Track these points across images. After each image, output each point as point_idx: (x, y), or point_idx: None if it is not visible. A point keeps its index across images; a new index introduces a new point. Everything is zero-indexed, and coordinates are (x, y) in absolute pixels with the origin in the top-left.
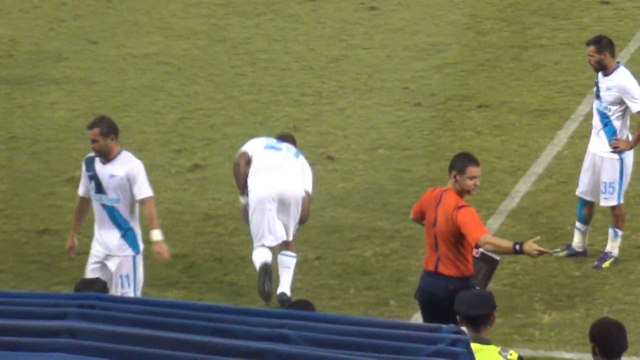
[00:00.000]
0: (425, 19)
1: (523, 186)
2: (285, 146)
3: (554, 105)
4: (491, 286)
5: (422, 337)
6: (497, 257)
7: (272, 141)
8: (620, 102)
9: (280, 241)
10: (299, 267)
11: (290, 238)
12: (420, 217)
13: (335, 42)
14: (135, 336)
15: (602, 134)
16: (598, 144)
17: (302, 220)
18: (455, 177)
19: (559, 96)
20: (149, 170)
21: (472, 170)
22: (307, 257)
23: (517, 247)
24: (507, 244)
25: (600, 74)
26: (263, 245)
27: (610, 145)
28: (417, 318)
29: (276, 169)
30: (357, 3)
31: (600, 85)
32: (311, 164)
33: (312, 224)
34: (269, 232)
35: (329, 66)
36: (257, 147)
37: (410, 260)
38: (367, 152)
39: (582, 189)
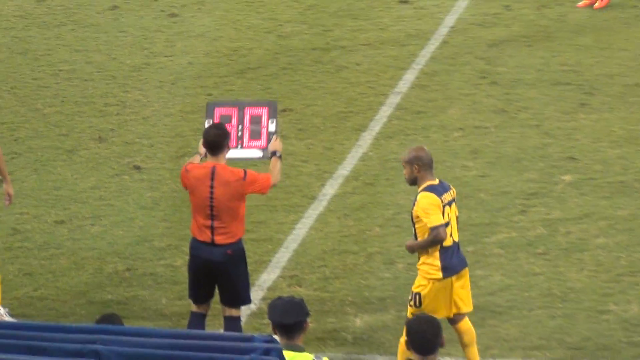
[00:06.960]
0: (226, 24)
1: (330, 189)
2: None
3: (358, 106)
4: (302, 292)
5: (235, 347)
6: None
7: None
8: None
9: None
10: (109, 279)
11: None
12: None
13: (137, 50)
14: None
15: None
16: None
17: None
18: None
19: (362, 97)
20: None
21: None
22: (117, 269)
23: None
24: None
25: None
26: None
27: None
28: None
29: None
30: (158, 10)
31: None
32: (118, 175)
33: (121, 234)
34: None
35: (132, 75)
36: None
37: None
38: (173, 160)
39: None
